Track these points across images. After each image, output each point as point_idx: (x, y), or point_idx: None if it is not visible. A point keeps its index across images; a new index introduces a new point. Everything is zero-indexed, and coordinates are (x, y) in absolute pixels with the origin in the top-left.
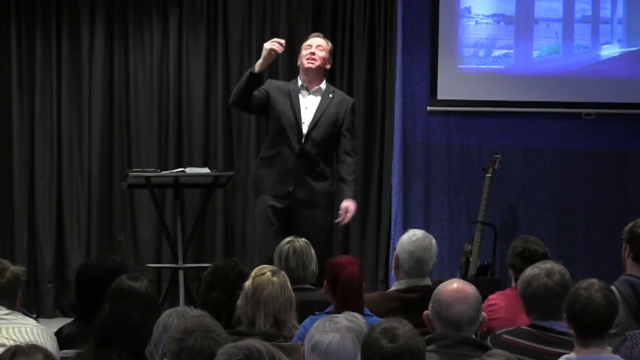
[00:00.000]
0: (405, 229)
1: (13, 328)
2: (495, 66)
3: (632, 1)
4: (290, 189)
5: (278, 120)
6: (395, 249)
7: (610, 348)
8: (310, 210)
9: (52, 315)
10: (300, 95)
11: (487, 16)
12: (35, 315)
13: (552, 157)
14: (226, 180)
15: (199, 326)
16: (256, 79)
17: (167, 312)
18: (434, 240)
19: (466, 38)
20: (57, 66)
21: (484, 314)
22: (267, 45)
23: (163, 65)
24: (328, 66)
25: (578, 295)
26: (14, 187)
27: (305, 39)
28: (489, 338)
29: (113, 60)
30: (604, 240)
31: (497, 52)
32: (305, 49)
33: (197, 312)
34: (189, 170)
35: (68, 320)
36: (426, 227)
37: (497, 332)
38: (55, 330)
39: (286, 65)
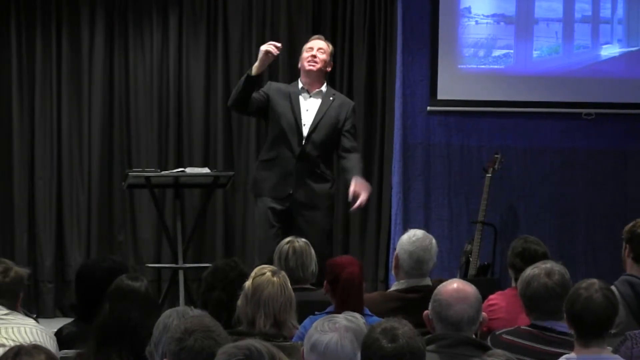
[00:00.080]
0: (405, 229)
1: (12, 328)
2: (495, 66)
3: (632, 1)
4: (291, 191)
5: (278, 123)
6: (395, 249)
7: (610, 348)
8: (310, 212)
9: (52, 315)
10: (301, 98)
11: (487, 16)
12: (35, 315)
13: (552, 157)
14: (226, 181)
15: (199, 326)
16: (254, 82)
17: (167, 312)
18: (434, 241)
19: (466, 38)
20: (57, 66)
21: (484, 314)
22: (263, 47)
23: (163, 65)
24: (329, 69)
25: (578, 295)
26: (14, 187)
27: (306, 40)
28: (489, 338)
29: (113, 60)
30: (604, 240)
31: (497, 52)
32: (307, 51)
33: (197, 312)
34: (189, 170)
35: (68, 320)
36: (426, 227)
37: (497, 332)
38: (55, 330)
39: (286, 66)
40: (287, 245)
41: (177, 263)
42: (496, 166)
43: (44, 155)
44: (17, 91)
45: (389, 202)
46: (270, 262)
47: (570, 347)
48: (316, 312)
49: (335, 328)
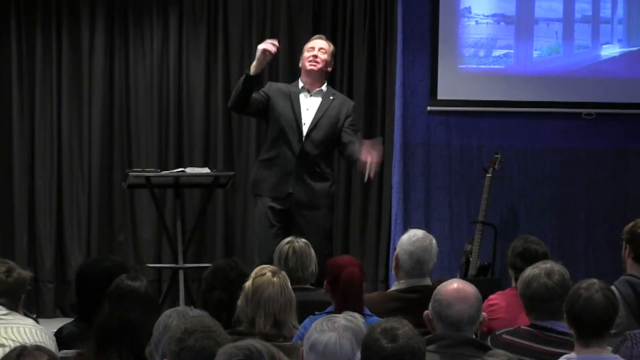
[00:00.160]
0: (405, 229)
1: (12, 328)
2: (496, 66)
3: (632, 1)
4: (291, 191)
5: (278, 122)
6: (395, 249)
7: (610, 348)
8: (310, 211)
9: (52, 315)
10: (301, 97)
11: (487, 16)
12: (35, 316)
13: (552, 157)
14: (226, 180)
15: (199, 326)
16: (253, 81)
17: (167, 312)
18: (434, 241)
19: (466, 38)
20: (57, 66)
21: (484, 314)
22: (261, 46)
23: (163, 65)
24: (330, 69)
25: (578, 295)
26: (14, 187)
27: (306, 40)
28: (489, 338)
29: (113, 60)
30: (604, 240)
31: (497, 52)
32: (308, 51)
33: (197, 312)
34: (189, 170)
35: (68, 320)
36: (426, 227)
37: (497, 332)
38: (55, 330)
39: (286, 66)
40: (287, 246)
41: (177, 263)
42: (496, 166)
43: (44, 155)
44: (17, 91)
45: (389, 202)
46: (270, 262)
47: (570, 347)
48: (316, 312)
49: (334, 328)
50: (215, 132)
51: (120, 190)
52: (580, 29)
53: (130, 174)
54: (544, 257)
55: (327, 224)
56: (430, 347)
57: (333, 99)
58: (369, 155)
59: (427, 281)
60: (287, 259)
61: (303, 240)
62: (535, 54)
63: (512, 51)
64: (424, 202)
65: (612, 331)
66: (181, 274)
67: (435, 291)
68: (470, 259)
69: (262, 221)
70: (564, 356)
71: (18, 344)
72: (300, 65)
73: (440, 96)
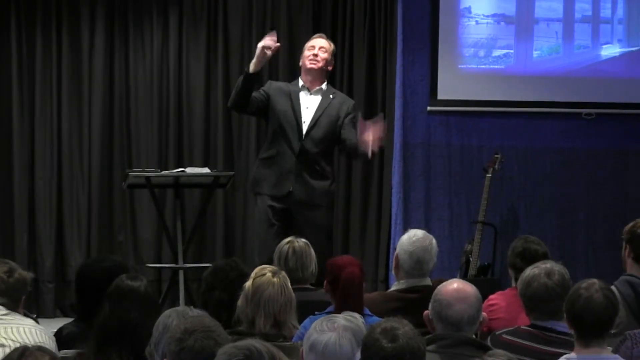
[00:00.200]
0: (405, 229)
1: (12, 328)
2: (496, 66)
3: (632, 1)
4: (290, 189)
5: (278, 120)
6: (395, 249)
7: (610, 348)
8: (310, 210)
9: (52, 315)
10: (301, 95)
11: (487, 16)
12: (35, 316)
13: (552, 157)
14: (226, 180)
15: (199, 326)
16: (252, 79)
17: (167, 312)
18: (434, 241)
19: (466, 38)
20: (57, 66)
21: (484, 314)
22: (260, 44)
23: (163, 65)
24: (330, 67)
25: (578, 295)
26: (14, 187)
27: (306, 39)
28: (489, 338)
29: (113, 60)
30: (604, 240)
31: (497, 52)
32: (308, 49)
33: (197, 312)
34: (189, 170)
35: (68, 320)
36: (426, 227)
37: (497, 332)
38: (55, 330)
39: (286, 65)
40: (287, 246)
41: (177, 263)
42: (496, 166)
43: (44, 155)
44: (17, 91)
45: (389, 202)
46: (270, 262)
47: (570, 347)
48: (316, 312)
49: (333, 328)
50: (215, 132)
51: (120, 190)
52: (580, 29)
53: (130, 174)
54: (544, 257)
55: (327, 222)
56: (430, 347)
57: (333, 98)
58: (370, 132)
59: (427, 281)
60: (287, 259)
61: (303, 240)
62: (535, 54)
63: (512, 51)
64: (424, 202)
65: (612, 331)
66: (181, 274)
67: (435, 291)
68: (470, 259)
69: (262, 220)
70: (564, 356)
71: (18, 344)
72: (300, 63)
73: (440, 96)
